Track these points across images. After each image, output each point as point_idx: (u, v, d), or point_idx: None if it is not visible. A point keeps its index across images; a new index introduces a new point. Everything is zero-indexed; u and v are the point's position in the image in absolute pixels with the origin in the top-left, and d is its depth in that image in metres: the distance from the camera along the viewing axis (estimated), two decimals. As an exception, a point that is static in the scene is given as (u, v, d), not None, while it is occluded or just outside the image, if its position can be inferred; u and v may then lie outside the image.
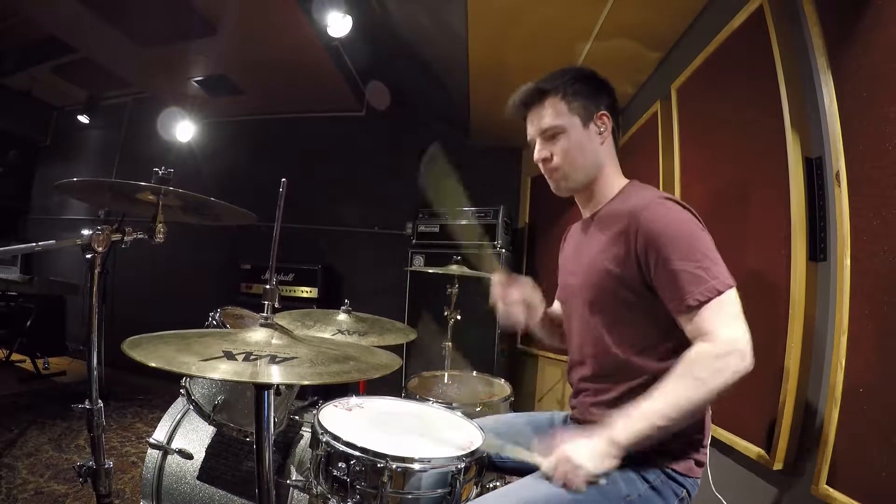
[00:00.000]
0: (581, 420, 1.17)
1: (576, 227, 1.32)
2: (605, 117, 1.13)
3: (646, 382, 0.98)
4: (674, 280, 0.94)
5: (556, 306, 1.42)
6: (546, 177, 1.19)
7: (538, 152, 1.16)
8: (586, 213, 1.22)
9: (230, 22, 2.99)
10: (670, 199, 1.03)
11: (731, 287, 0.92)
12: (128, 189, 1.11)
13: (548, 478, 0.95)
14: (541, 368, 3.54)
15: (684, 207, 1.02)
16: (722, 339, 0.89)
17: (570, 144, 1.12)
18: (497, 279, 1.35)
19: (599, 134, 1.14)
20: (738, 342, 0.88)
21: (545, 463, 0.97)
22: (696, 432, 1.04)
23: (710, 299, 0.91)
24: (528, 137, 1.19)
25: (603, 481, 0.91)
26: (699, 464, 1.04)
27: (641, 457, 1.00)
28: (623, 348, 1.05)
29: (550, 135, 1.13)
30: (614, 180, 1.17)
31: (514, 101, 1.17)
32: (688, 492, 1.02)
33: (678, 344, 0.95)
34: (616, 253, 1.04)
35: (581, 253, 1.19)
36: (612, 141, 1.17)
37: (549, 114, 1.13)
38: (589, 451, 0.92)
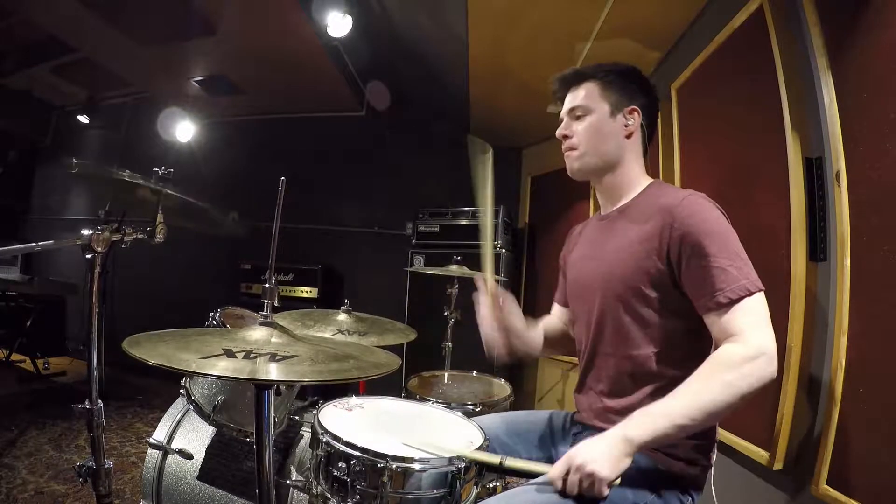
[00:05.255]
0: (588, 422, 1.14)
1: (589, 225, 1.31)
2: (635, 112, 1.14)
3: (664, 387, 0.95)
4: (706, 276, 0.92)
5: (550, 319, 1.38)
6: (564, 156, 1.19)
7: (560, 128, 1.18)
8: (608, 208, 1.21)
9: (230, 22, 2.99)
10: (703, 197, 1.02)
11: (761, 290, 0.91)
12: (131, 187, 1.10)
13: (560, 491, 0.88)
14: (541, 368, 3.54)
15: (716, 206, 1.01)
16: (752, 343, 0.87)
17: (592, 126, 1.14)
18: (483, 299, 1.25)
19: (625, 126, 1.14)
20: (767, 347, 0.86)
21: (553, 471, 0.90)
22: (705, 439, 1.03)
23: (741, 298, 0.89)
24: (560, 115, 1.21)
25: (617, 482, 0.86)
26: (705, 471, 1.03)
27: (649, 463, 0.99)
28: (643, 349, 1.04)
29: (577, 114, 1.16)
30: (638, 177, 1.16)
31: (556, 78, 1.21)
32: (692, 499, 1.01)
33: (701, 348, 0.94)
34: (645, 249, 1.02)
35: (602, 249, 1.17)
36: (641, 139, 1.17)
37: (581, 95, 1.15)
38: (602, 454, 0.86)
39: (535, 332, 1.33)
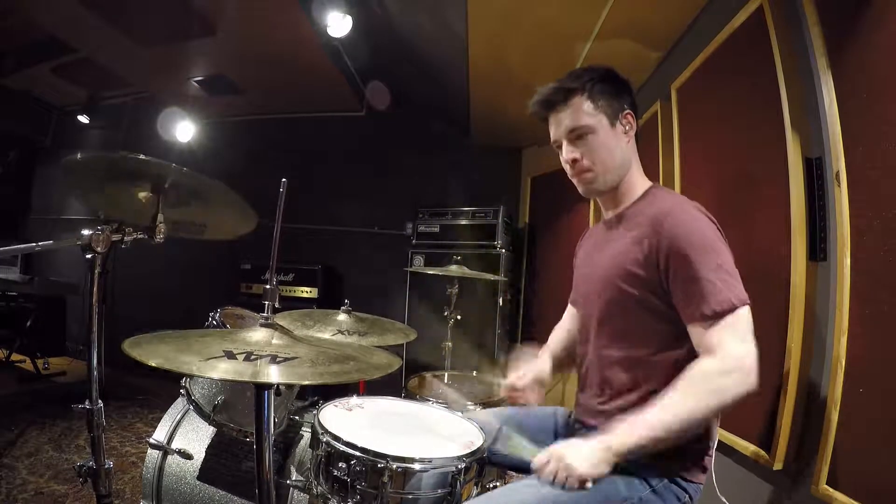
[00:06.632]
0: (587, 421, 1.16)
1: (595, 229, 1.32)
2: (629, 116, 1.13)
3: (657, 389, 0.96)
4: (690, 287, 0.93)
5: (555, 338, 1.42)
6: (574, 178, 1.15)
7: (567, 153, 1.11)
8: (608, 214, 1.21)
9: (230, 22, 2.99)
10: (695, 207, 1.02)
11: (746, 304, 0.92)
12: (131, 170, 1.08)
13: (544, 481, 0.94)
14: (541, 368, 3.54)
15: (708, 217, 1.01)
16: (729, 356, 0.88)
17: (599, 144, 1.09)
18: (507, 384, 1.33)
19: (625, 133, 1.13)
20: (744, 360, 0.88)
21: (537, 458, 0.96)
22: (703, 438, 1.04)
23: (724, 312, 0.90)
24: (553, 139, 1.15)
25: (589, 485, 0.90)
26: (704, 469, 1.04)
27: (646, 461, 0.99)
28: (637, 352, 1.04)
29: (578, 135, 1.10)
30: (638, 181, 1.16)
31: (537, 100, 1.14)
32: (690, 497, 1.02)
33: (693, 352, 0.94)
34: (638, 255, 1.03)
35: (601, 253, 1.18)
36: (635, 141, 1.16)
37: (577, 113, 1.09)
38: (583, 453, 0.91)
39: (558, 364, 1.38)
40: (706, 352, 0.91)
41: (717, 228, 1.00)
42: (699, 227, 0.98)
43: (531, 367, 1.33)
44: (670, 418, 0.89)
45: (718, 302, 0.90)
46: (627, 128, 1.13)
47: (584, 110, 1.09)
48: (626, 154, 1.13)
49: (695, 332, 0.94)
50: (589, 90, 1.09)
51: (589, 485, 0.90)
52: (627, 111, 1.13)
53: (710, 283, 0.91)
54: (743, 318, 0.91)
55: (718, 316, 0.90)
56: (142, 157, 1.00)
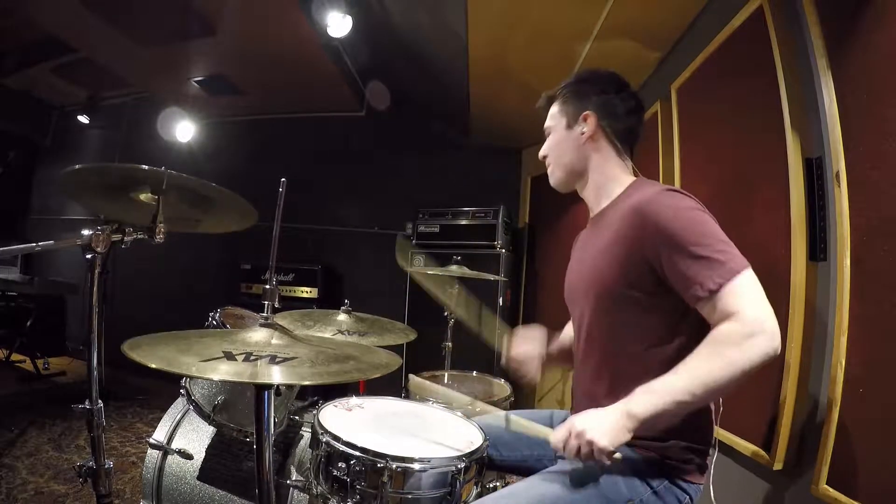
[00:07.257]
0: None
1: (584, 230, 1.33)
2: (588, 117, 1.15)
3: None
4: (688, 268, 0.91)
5: (566, 331, 1.42)
6: None
7: (541, 150, 1.27)
8: (593, 212, 1.22)
9: (230, 22, 3.00)
10: (672, 190, 1.02)
11: (747, 267, 0.89)
12: (128, 178, 1.09)
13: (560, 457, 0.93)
14: (541, 368, 3.54)
15: (687, 196, 1.00)
16: (749, 319, 0.85)
17: (554, 143, 1.23)
18: (511, 347, 1.38)
19: (582, 133, 1.15)
20: (765, 322, 0.85)
21: (553, 436, 0.95)
22: (702, 439, 1.04)
23: (728, 281, 0.88)
24: None
25: (618, 455, 0.88)
26: (703, 470, 1.03)
27: (646, 461, 1.00)
28: (631, 348, 1.04)
29: (546, 135, 1.25)
30: (617, 178, 1.16)
31: (539, 107, 1.29)
32: (690, 498, 1.01)
33: (689, 343, 0.93)
34: (621, 251, 1.02)
35: (586, 254, 1.19)
36: (607, 140, 1.16)
37: (548, 117, 1.25)
38: (603, 423, 0.89)
39: (563, 350, 1.38)
40: (725, 320, 0.88)
41: (698, 203, 0.99)
42: (681, 206, 0.96)
43: (535, 341, 1.36)
44: (693, 382, 0.86)
45: (720, 274, 0.88)
46: (585, 129, 1.15)
47: (552, 114, 1.24)
48: (582, 153, 1.17)
49: (707, 310, 0.91)
50: (560, 96, 1.22)
51: (617, 455, 0.88)
52: (587, 112, 1.15)
53: (707, 258, 0.89)
54: (750, 282, 0.89)
55: (724, 287, 0.88)
56: (137, 165, 1.01)
